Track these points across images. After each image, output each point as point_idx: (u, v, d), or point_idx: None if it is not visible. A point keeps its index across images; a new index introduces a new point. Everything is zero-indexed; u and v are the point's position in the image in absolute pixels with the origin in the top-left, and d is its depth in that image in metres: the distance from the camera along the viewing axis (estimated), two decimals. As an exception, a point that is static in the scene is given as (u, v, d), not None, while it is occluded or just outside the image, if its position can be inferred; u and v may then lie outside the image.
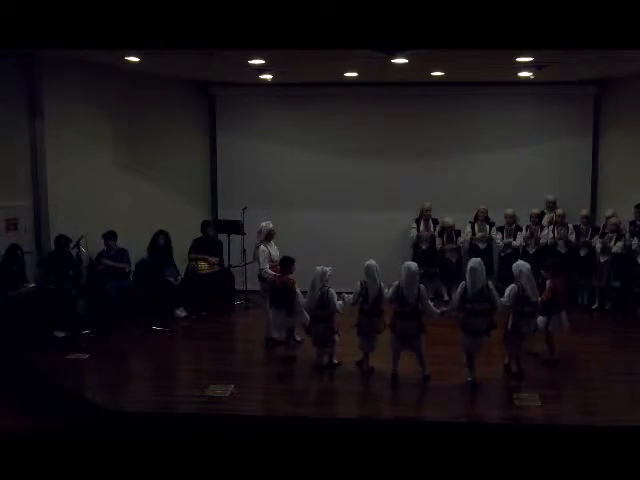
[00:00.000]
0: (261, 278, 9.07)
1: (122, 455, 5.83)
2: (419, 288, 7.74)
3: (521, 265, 8.01)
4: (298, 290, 8.33)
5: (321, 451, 5.96)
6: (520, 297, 7.82)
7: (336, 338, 8.15)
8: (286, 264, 8.47)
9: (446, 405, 7.41)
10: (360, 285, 7.95)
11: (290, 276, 8.46)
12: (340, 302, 8.01)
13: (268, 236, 9.08)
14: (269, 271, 8.85)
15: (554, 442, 6.32)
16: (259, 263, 9.01)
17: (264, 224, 9.15)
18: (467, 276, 7.73)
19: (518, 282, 7.88)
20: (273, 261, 8.94)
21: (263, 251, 8.96)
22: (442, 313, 7.98)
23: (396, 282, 7.79)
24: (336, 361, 8.24)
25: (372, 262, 8.00)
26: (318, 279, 7.99)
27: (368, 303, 7.91)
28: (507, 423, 6.96)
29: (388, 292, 7.85)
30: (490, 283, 7.80)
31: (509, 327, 7.90)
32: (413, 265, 7.87)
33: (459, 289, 7.79)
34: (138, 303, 10.41)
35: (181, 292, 10.86)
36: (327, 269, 8.03)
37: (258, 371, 8.39)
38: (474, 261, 7.84)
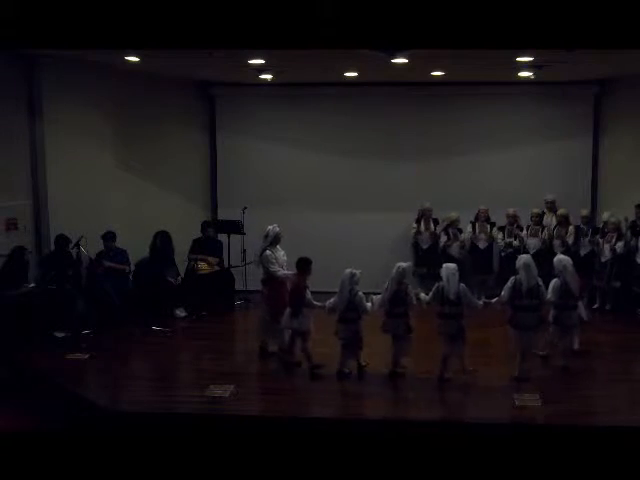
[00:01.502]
0: (264, 283, 8.82)
1: (122, 455, 5.84)
2: (460, 285, 7.84)
3: (564, 260, 8.22)
4: (308, 294, 8.15)
5: (321, 451, 5.97)
6: (563, 291, 8.02)
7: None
8: (303, 265, 8.24)
9: (446, 405, 7.41)
10: (387, 286, 7.95)
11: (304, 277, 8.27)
12: (369, 303, 7.97)
13: (275, 240, 8.78)
14: (285, 272, 8.62)
15: (554, 442, 6.32)
16: (268, 269, 8.65)
17: (271, 228, 8.80)
18: (521, 272, 7.84)
19: (561, 276, 8.07)
20: (281, 265, 8.74)
21: (270, 256, 8.65)
22: (485, 305, 8.13)
23: (437, 283, 7.92)
24: (363, 363, 8.13)
25: (404, 264, 8.03)
26: (347, 281, 7.87)
27: (392, 304, 7.92)
28: (507, 423, 6.95)
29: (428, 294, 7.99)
30: (539, 279, 7.93)
31: (550, 320, 8.10)
32: (451, 265, 7.97)
33: (509, 284, 7.91)
34: (138, 303, 10.41)
35: (181, 292, 10.85)
36: (356, 271, 7.95)
37: (258, 371, 8.39)
38: (526, 257, 8.04)
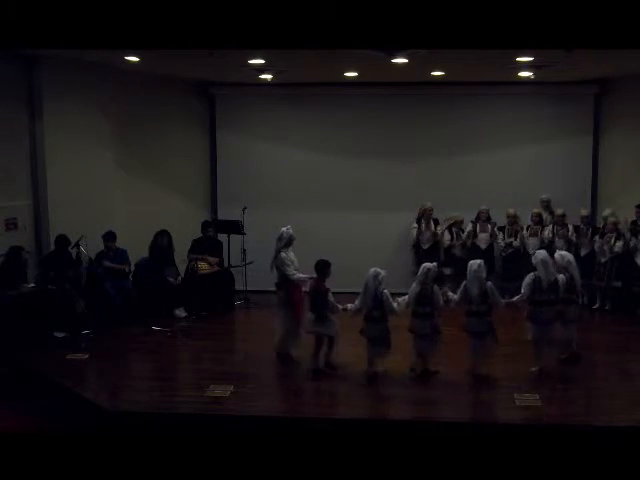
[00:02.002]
0: (277, 286, 8.66)
1: (122, 455, 5.83)
2: (485, 284, 7.89)
3: (568, 255, 8.35)
4: (331, 298, 8.07)
5: (321, 451, 5.96)
6: (569, 286, 8.11)
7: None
8: (323, 267, 8.13)
9: (446, 405, 7.41)
10: (413, 287, 7.96)
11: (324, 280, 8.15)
12: (395, 304, 7.94)
13: (289, 242, 8.60)
14: (301, 275, 8.46)
15: (554, 442, 6.32)
16: (284, 271, 8.46)
17: (285, 230, 8.59)
18: (539, 268, 7.97)
19: (566, 272, 8.13)
20: (295, 268, 8.58)
21: (285, 258, 8.46)
22: (507, 304, 8.17)
23: (463, 282, 7.95)
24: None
25: (429, 265, 8.02)
26: (371, 280, 7.83)
27: (418, 304, 7.92)
28: (507, 423, 6.95)
29: (456, 293, 8.01)
30: (557, 274, 8.04)
31: (525, 316, 8.14)
32: (475, 264, 7.97)
33: (528, 280, 7.98)
34: (138, 303, 10.41)
35: (181, 292, 10.86)
36: (380, 270, 7.93)
37: (258, 371, 8.38)
38: (543, 254, 8.15)
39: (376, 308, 7.83)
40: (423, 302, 7.86)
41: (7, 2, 5.82)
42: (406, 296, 8.00)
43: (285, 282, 8.52)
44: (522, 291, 8.04)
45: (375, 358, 7.95)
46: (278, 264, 8.51)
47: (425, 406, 7.48)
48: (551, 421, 6.90)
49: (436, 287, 7.96)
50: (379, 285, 7.82)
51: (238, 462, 5.82)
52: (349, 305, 7.98)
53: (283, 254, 8.47)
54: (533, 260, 8.16)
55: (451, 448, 6.13)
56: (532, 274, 8.03)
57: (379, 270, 7.91)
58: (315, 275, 8.22)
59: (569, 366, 8.27)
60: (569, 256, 8.36)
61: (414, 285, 7.95)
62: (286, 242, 8.54)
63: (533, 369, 7.96)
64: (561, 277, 8.14)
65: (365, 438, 6.55)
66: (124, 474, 5.61)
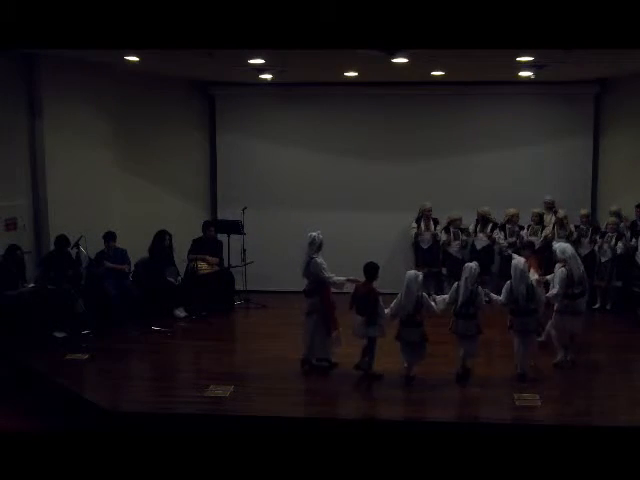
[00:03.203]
0: (309, 293, 8.35)
1: (122, 455, 5.84)
2: (530, 282, 7.94)
3: (569, 248, 8.41)
4: (381, 301, 7.98)
5: (321, 451, 5.97)
6: (570, 280, 8.17)
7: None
8: (371, 270, 8.02)
9: (446, 405, 7.41)
10: (456, 286, 7.94)
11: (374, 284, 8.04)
12: (433, 303, 7.93)
13: (320, 247, 8.30)
14: (339, 278, 8.27)
15: (554, 442, 6.32)
16: (321, 275, 8.18)
17: (315, 234, 8.30)
18: (570, 261, 8.14)
19: (567, 265, 8.18)
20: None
21: (321, 263, 8.19)
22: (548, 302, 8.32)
23: (507, 283, 7.95)
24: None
25: (471, 264, 8.02)
26: (413, 283, 7.78)
27: (459, 304, 7.91)
28: (507, 423, 6.95)
29: (500, 295, 8.01)
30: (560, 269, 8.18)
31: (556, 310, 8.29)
32: (520, 263, 8.01)
33: (562, 275, 8.08)
34: (138, 303, 10.41)
35: (181, 292, 10.86)
36: (419, 272, 7.95)
37: (258, 371, 8.38)
38: (571, 247, 8.40)
39: (417, 311, 7.79)
40: (467, 302, 7.83)
41: (7, 2, 5.82)
42: (444, 296, 8.01)
43: (318, 288, 8.27)
44: (556, 287, 8.10)
45: (414, 362, 7.92)
46: (313, 270, 8.22)
47: (423, 407, 7.48)
48: (551, 421, 6.90)
49: (480, 287, 7.95)
50: (420, 287, 7.82)
51: (238, 462, 5.83)
52: (385, 310, 7.93)
53: (318, 259, 8.24)
54: (564, 254, 8.21)
55: (451, 448, 6.13)
56: (563, 269, 8.13)
57: (419, 272, 7.94)
58: (353, 277, 8.16)
59: (569, 366, 8.27)
60: (570, 249, 8.40)
61: (457, 285, 7.89)
62: (318, 247, 8.31)
63: (567, 358, 8.26)
64: (561, 271, 8.18)
65: (366, 438, 6.55)
66: (124, 474, 5.61)
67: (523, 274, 7.88)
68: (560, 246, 8.48)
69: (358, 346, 8.10)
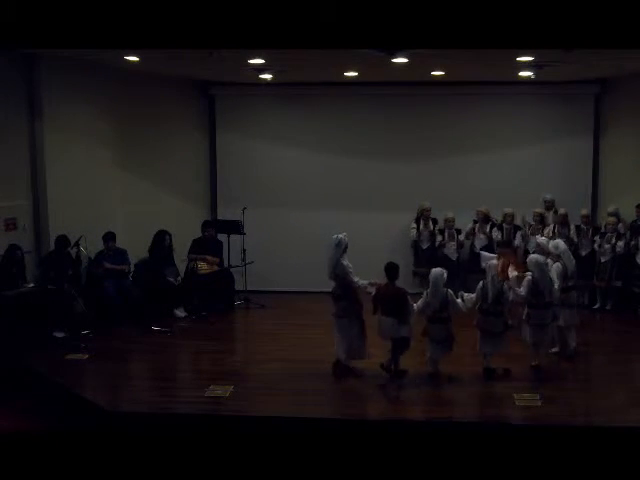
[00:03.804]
0: (337, 297, 8.18)
1: (122, 455, 5.84)
2: (551, 279, 8.11)
3: (561, 244, 8.56)
4: (410, 299, 7.97)
5: (321, 451, 5.97)
6: (564, 274, 8.31)
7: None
8: (393, 271, 7.99)
9: (446, 405, 7.41)
10: (482, 285, 7.99)
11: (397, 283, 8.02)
12: (460, 301, 7.95)
13: (345, 249, 8.15)
14: (363, 281, 8.10)
15: (554, 442, 6.32)
16: (349, 279, 8.05)
17: (342, 236, 8.13)
18: (564, 257, 8.38)
19: (560, 260, 8.33)
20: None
21: (348, 265, 8.06)
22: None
23: (528, 275, 8.07)
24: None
25: (493, 261, 8.08)
26: (440, 280, 7.81)
27: (487, 302, 7.95)
28: (507, 423, 6.95)
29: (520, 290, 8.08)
30: (554, 264, 8.36)
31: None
32: (541, 259, 8.14)
33: (558, 270, 8.25)
34: (138, 303, 10.41)
35: (181, 292, 10.86)
36: (444, 270, 7.97)
37: (258, 371, 8.38)
38: (563, 243, 8.60)
39: (444, 309, 7.81)
40: (496, 300, 7.90)
41: (7, 2, 5.82)
42: (471, 294, 8.02)
43: (347, 291, 8.14)
44: (556, 283, 8.18)
45: (439, 359, 7.95)
46: (340, 272, 8.06)
47: (424, 406, 7.48)
48: (551, 421, 6.90)
49: (505, 285, 7.99)
50: (445, 284, 7.87)
51: (238, 462, 5.82)
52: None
53: (345, 261, 8.10)
54: (556, 251, 8.40)
55: (451, 448, 6.13)
56: (558, 264, 8.29)
57: (444, 270, 7.97)
58: (373, 281, 8.08)
59: (569, 366, 8.27)
60: (562, 244, 8.55)
61: (482, 284, 7.95)
62: (344, 249, 8.18)
63: (572, 347, 8.45)
64: (556, 266, 8.28)
65: (366, 438, 6.55)
66: (124, 474, 5.61)
67: (545, 269, 8.02)
68: (553, 242, 8.65)
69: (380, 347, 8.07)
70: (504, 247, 9.52)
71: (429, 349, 7.96)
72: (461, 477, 5.78)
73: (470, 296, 8.01)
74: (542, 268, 8.02)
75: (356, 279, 8.07)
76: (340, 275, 8.08)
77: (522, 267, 8.60)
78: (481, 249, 11.41)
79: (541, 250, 8.67)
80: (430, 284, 7.87)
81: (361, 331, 8.14)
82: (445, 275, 7.88)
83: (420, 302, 7.91)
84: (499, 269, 8.28)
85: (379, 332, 8.00)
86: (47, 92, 10.10)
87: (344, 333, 8.13)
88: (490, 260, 8.21)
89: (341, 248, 8.11)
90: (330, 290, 8.24)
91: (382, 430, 6.84)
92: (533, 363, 8.10)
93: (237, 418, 7.01)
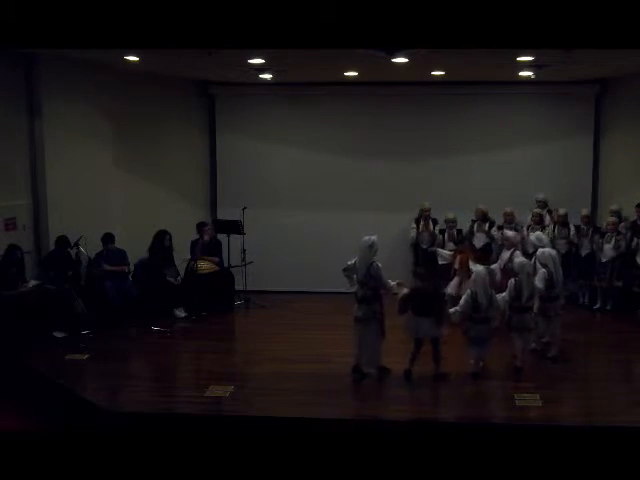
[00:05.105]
0: (368, 300, 7.93)
1: (122, 455, 5.83)
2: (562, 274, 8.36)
3: (550, 252, 8.55)
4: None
5: (321, 451, 5.96)
6: (549, 282, 8.31)
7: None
8: (432, 266, 8.15)
9: (446, 405, 7.41)
10: (514, 282, 8.04)
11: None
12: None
13: (377, 251, 7.99)
14: (393, 282, 7.97)
15: (554, 442, 6.32)
16: (382, 281, 7.89)
17: (374, 238, 7.96)
18: (550, 265, 8.32)
19: (547, 268, 8.32)
20: None
21: (380, 268, 7.90)
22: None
23: (542, 270, 8.19)
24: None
25: (523, 260, 8.21)
26: (486, 279, 7.84)
27: (520, 300, 8.01)
28: (507, 423, 6.95)
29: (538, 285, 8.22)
30: (540, 270, 8.39)
31: (535, 312, 8.36)
32: (527, 263, 8.22)
33: (544, 277, 8.25)
34: (138, 303, 10.41)
35: (181, 292, 10.86)
36: (489, 268, 8.14)
37: (258, 371, 8.38)
38: (553, 251, 8.60)
39: (489, 308, 7.84)
40: (529, 297, 8.05)
41: (7, 2, 5.82)
42: (503, 293, 8.04)
43: (377, 294, 7.96)
44: (539, 287, 8.20)
45: (480, 358, 7.97)
46: (374, 274, 7.85)
47: (423, 406, 7.48)
48: (551, 421, 6.90)
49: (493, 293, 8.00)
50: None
51: (238, 462, 5.82)
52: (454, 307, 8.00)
53: (379, 263, 7.94)
54: (542, 258, 8.38)
55: (450, 448, 6.12)
56: (543, 271, 8.26)
57: (487, 268, 8.09)
58: (400, 281, 8.04)
59: (569, 366, 8.27)
60: (549, 253, 8.52)
61: (514, 281, 8.00)
62: (376, 251, 7.98)
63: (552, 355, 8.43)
64: (542, 272, 8.28)
65: (366, 438, 6.55)
66: (124, 474, 5.61)
67: (485, 284, 7.91)
68: (536, 234, 8.92)
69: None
70: (461, 244, 9.58)
71: (471, 348, 7.93)
72: (461, 477, 5.78)
73: (502, 295, 8.00)
74: (529, 272, 8.05)
75: (388, 281, 7.94)
76: (374, 277, 7.87)
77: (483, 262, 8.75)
78: (480, 248, 11.43)
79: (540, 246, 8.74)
80: (477, 285, 7.82)
81: (381, 335, 7.97)
82: (489, 274, 7.98)
83: (463, 302, 7.88)
84: (457, 266, 8.31)
85: (413, 331, 7.87)
86: (47, 92, 10.10)
87: (368, 337, 7.96)
88: (447, 257, 8.25)
89: (374, 249, 7.94)
90: (353, 292, 8.03)
91: (382, 430, 6.84)
92: (517, 364, 8.07)
93: (237, 418, 7.01)
